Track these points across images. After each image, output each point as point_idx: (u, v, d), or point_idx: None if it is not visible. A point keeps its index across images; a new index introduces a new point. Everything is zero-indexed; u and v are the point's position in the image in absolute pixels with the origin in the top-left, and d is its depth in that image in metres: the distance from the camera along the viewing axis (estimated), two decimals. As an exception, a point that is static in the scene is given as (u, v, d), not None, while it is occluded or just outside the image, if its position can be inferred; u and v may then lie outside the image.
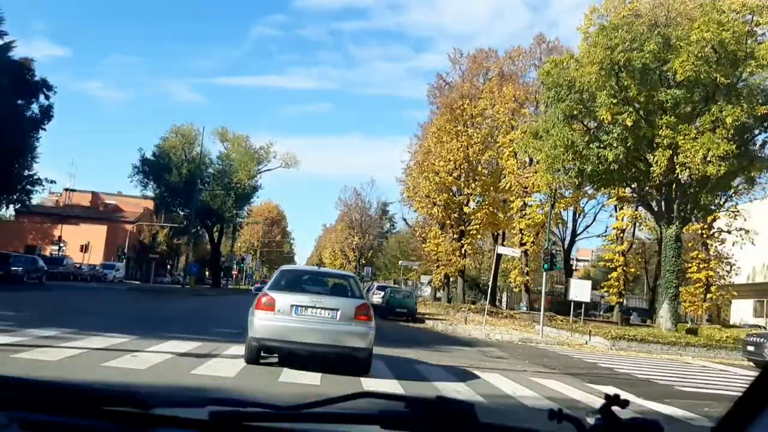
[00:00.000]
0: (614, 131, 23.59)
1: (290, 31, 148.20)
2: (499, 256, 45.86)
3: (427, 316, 31.71)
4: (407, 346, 15.43)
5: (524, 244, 38.55)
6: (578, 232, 44.35)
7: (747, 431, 0.94)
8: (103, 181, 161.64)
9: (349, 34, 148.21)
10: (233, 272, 79.04)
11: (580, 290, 27.27)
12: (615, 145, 23.71)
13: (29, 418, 1.19)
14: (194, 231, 49.68)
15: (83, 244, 62.67)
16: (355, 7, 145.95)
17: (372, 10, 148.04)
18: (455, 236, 42.40)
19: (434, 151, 40.64)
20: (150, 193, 52.00)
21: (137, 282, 65.43)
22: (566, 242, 44.45)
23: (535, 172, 37.01)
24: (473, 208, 40.85)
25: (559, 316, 33.49)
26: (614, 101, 23.32)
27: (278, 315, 8.62)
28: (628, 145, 23.86)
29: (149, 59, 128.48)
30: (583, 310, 28.00)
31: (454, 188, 41.80)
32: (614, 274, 36.62)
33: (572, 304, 28.17)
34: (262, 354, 9.07)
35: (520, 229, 38.56)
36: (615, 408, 1.09)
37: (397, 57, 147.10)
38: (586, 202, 40.92)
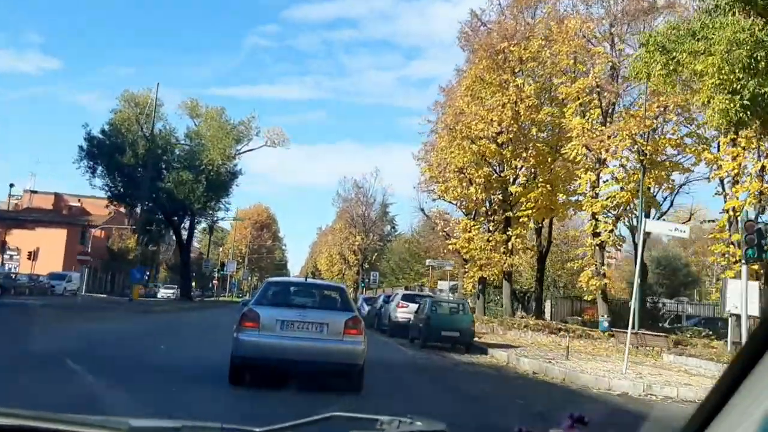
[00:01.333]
0: None
1: (283, 41, 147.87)
2: (543, 255, 35.25)
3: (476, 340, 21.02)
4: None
5: (598, 234, 27.89)
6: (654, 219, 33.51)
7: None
8: (86, 186, 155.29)
9: (341, 43, 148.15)
10: (214, 281, 67.88)
11: (742, 297, 16.57)
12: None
13: None
14: (149, 228, 38.71)
15: (31, 251, 52.40)
16: (347, 17, 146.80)
17: (363, 20, 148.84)
18: (498, 226, 31.75)
19: (468, 112, 30.00)
20: (99, 182, 40.87)
21: (103, 295, 55.07)
22: (640, 233, 33.55)
23: (610, 136, 26.49)
24: (522, 187, 30.19)
25: (651, 336, 23.05)
26: None
27: (263, 331, 8.25)
28: None
29: (142, 70, 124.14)
30: (744, 325, 17.31)
31: (495, 161, 31.19)
32: (729, 273, 25.85)
33: (730, 319, 17.72)
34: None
35: (593, 214, 27.86)
36: (577, 426, 1.08)
37: (388, 66, 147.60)
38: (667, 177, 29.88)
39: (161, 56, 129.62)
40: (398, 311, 22.68)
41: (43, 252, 53.05)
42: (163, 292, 54.85)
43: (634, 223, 31.32)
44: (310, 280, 11.58)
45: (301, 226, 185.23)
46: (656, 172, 27.19)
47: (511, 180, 30.94)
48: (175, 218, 42.26)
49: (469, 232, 32.92)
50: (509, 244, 30.52)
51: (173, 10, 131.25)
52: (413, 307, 21.43)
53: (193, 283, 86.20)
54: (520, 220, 30.37)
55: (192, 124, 42.16)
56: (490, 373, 13.45)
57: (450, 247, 37.26)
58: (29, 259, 50.93)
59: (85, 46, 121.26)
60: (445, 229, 39.56)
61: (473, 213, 35.63)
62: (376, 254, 63.90)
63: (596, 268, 27.80)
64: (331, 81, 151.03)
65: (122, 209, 57.02)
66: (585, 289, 28.24)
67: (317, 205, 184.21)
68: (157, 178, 37.79)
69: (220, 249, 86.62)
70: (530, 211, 29.78)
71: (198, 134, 40.59)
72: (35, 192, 76.35)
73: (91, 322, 18.79)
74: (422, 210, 41.08)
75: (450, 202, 37.04)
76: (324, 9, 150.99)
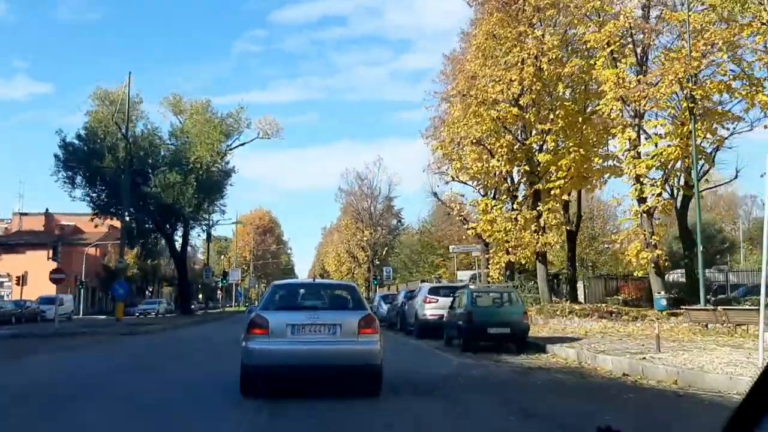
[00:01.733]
0: None
1: (271, 45, 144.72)
2: (573, 231, 31.51)
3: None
4: None
5: (644, 200, 24.23)
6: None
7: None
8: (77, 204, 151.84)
9: (329, 42, 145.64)
10: (218, 292, 64.18)
11: None
12: None
13: None
14: (143, 241, 35.10)
15: (20, 276, 49.14)
16: (333, 15, 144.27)
17: (350, 17, 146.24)
18: (526, 202, 28.10)
19: (482, 75, 26.36)
20: (79, 193, 37.20)
21: (102, 316, 51.56)
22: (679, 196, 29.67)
23: (650, 84, 22.75)
24: (551, 155, 26.48)
25: (734, 311, 19.21)
26: None
27: (273, 337, 7.79)
28: None
29: (132, 86, 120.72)
30: None
31: (517, 127, 27.53)
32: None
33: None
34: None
35: (637, 177, 24.14)
36: None
37: (379, 61, 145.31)
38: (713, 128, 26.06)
39: (149, 71, 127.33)
40: (426, 308, 19.03)
41: (34, 276, 49.54)
42: (143, 309, 47.92)
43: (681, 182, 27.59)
44: (318, 281, 11.24)
45: (305, 229, 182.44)
46: (705, 122, 23.52)
47: (537, 148, 27.25)
48: (167, 226, 38.60)
49: (490, 212, 29.25)
50: (540, 220, 26.85)
51: (160, 25, 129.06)
52: (444, 301, 17.78)
53: (200, 295, 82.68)
54: (551, 192, 26.69)
55: (177, 121, 38.54)
56: (574, 384, 9.78)
57: (469, 232, 33.51)
58: (17, 284, 47.75)
59: (71, 63, 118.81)
60: (461, 213, 35.93)
61: (493, 192, 32.03)
62: (386, 249, 60.17)
63: (645, 239, 24.11)
64: (322, 80, 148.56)
65: (112, 222, 53.56)
66: (634, 263, 24.50)
67: (318, 208, 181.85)
68: (142, 183, 34.22)
69: (223, 258, 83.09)
70: (561, 182, 26.08)
71: (183, 131, 36.91)
72: (25, 214, 73.09)
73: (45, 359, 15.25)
74: (435, 194, 37.24)
75: (465, 182, 33.43)
76: (310, 9, 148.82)
